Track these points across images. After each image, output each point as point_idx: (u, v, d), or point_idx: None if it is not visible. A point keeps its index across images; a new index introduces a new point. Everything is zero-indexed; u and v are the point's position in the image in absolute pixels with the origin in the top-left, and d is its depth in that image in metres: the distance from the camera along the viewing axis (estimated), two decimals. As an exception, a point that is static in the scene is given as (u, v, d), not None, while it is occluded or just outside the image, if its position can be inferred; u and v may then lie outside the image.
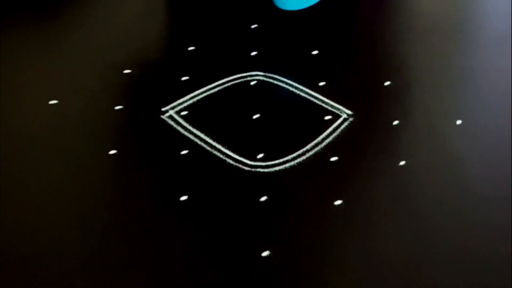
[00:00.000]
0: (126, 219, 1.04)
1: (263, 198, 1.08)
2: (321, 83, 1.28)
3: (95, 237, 1.02)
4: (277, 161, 1.14)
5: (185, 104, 1.24)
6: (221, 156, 1.15)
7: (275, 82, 1.28)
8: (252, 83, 1.28)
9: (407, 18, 1.46)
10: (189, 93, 1.25)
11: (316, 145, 1.17)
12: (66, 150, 1.14)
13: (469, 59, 1.35)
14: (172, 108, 1.23)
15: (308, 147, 1.17)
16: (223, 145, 1.16)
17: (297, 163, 1.14)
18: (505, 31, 1.41)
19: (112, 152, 1.14)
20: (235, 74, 1.29)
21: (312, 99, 1.25)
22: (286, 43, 1.38)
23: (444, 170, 1.13)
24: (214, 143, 1.17)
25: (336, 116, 1.22)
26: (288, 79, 1.29)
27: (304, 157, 1.15)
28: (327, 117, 1.22)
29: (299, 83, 1.28)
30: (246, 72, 1.30)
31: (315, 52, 1.35)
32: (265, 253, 1.01)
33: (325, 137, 1.19)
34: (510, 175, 1.12)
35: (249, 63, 1.32)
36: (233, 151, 1.15)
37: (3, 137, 1.15)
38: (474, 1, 1.53)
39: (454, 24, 1.45)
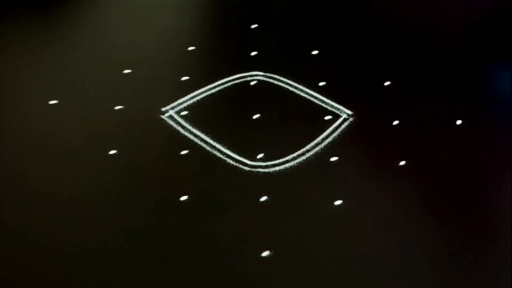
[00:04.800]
0: (126, 219, 1.04)
1: (263, 198, 1.08)
2: (321, 83, 1.28)
3: (95, 237, 1.02)
4: (277, 161, 1.14)
5: (185, 104, 1.24)
6: (221, 156, 1.15)
7: (275, 82, 1.28)
8: (252, 83, 1.28)
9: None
10: (189, 93, 1.25)
11: (316, 145, 1.17)
12: (66, 150, 1.14)
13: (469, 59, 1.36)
14: (172, 108, 1.23)
15: (308, 147, 1.17)
16: (223, 145, 1.16)
17: (297, 163, 1.14)
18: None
19: (112, 152, 1.14)
20: (235, 74, 1.29)
21: (312, 99, 1.25)
22: (286, 43, 1.38)
23: (443, 170, 1.13)
24: (214, 143, 1.17)
25: (336, 116, 1.22)
26: (288, 79, 1.28)
27: (304, 157, 1.15)
28: (327, 117, 1.22)
29: (299, 83, 1.28)
30: (246, 72, 1.30)
31: (315, 52, 1.35)
32: (265, 253, 1.01)
33: (325, 137, 1.19)
34: (510, 175, 1.12)
35: (249, 63, 1.32)
36: (233, 151, 1.15)
37: (3, 137, 1.15)
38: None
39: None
